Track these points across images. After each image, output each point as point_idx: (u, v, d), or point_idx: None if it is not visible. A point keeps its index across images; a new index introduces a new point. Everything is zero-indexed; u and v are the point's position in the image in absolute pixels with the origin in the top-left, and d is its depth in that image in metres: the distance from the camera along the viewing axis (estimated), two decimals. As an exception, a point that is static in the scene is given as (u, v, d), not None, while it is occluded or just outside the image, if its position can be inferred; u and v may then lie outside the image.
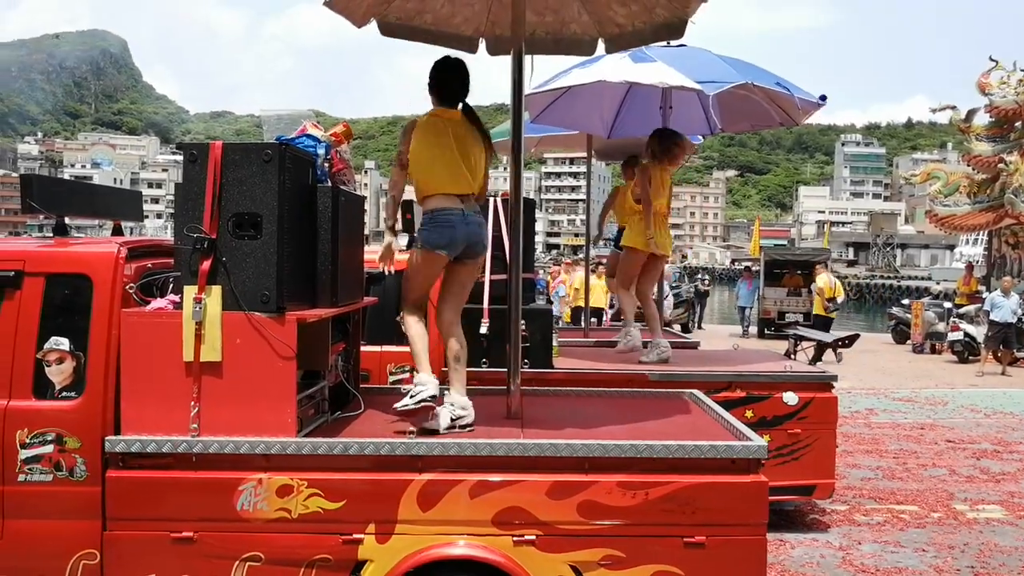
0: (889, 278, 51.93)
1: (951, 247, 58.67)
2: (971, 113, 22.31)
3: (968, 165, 22.70)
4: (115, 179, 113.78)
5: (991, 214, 21.46)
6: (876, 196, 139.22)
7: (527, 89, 4.21)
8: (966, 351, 16.58)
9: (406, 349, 5.69)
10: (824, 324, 16.68)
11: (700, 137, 8.59)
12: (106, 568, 3.35)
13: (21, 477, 3.41)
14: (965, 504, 6.89)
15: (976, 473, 7.91)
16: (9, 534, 3.40)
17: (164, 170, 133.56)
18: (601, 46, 4.79)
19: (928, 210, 23.88)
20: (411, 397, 3.68)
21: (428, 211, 3.92)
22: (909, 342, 19.04)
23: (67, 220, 4.09)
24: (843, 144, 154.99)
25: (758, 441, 3.47)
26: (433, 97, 4.01)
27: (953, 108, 22.75)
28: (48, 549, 3.39)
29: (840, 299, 17.21)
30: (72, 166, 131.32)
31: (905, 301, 22.94)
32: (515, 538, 3.31)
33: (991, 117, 21.87)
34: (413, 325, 3.97)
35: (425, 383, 3.74)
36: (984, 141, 21.92)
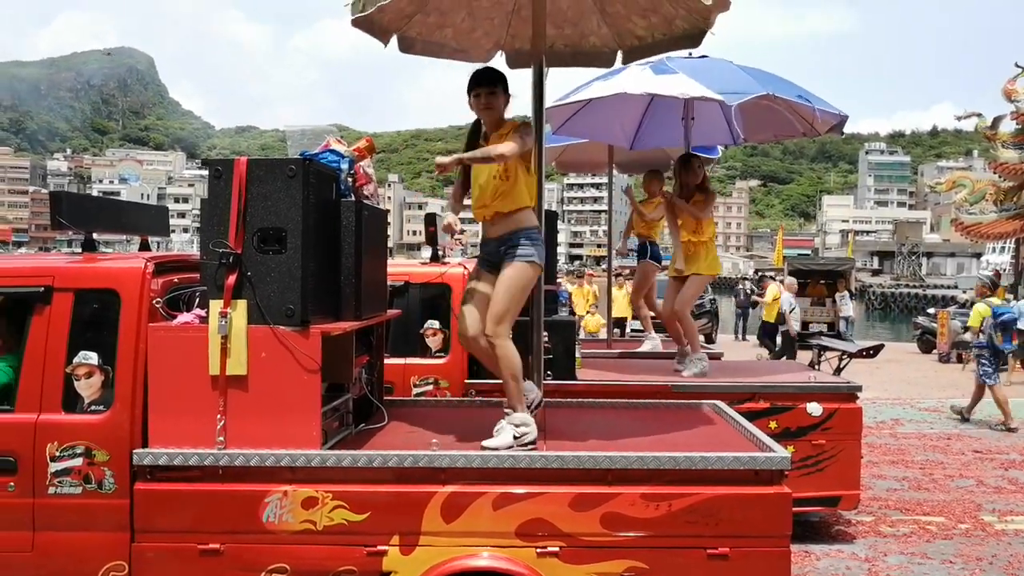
0: (914, 287, 51.41)
1: (977, 255, 57.95)
2: (997, 120, 22.05)
3: (994, 173, 22.44)
4: (142, 194, 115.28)
5: (1018, 222, 21.20)
6: (901, 205, 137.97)
7: (547, 102, 4.24)
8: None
9: (429, 361, 5.79)
10: (773, 331, 16.85)
11: (719, 148, 8.58)
12: (134, 579, 3.39)
13: (51, 490, 3.46)
14: (993, 515, 6.80)
15: (1004, 484, 7.80)
16: (40, 546, 3.45)
17: (190, 185, 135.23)
18: (619, 58, 4.81)
19: (954, 218, 23.62)
20: (515, 439, 3.65)
21: (528, 227, 3.87)
22: (935, 351, 18.82)
23: (95, 236, 4.15)
24: (867, 152, 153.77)
25: (781, 452, 3.45)
26: (505, 107, 3.95)
27: (979, 115, 22.51)
28: (77, 560, 3.44)
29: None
30: (100, 182, 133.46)
31: (931, 310, 22.67)
32: (538, 550, 3.31)
33: (1017, 124, 21.61)
34: (511, 348, 3.81)
35: (528, 424, 3.72)
36: (1010, 148, 21.66)
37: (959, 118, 23.31)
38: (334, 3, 3.86)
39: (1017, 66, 21.39)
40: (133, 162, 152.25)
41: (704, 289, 6.74)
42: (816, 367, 11.09)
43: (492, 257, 3.92)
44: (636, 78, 5.90)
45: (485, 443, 3.64)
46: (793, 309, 16.13)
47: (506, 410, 3.82)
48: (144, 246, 4.68)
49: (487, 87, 3.90)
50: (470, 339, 3.93)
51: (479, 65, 4.10)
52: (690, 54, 5.76)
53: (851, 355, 11.82)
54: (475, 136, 4.00)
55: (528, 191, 3.90)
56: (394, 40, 4.50)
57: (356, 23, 3.95)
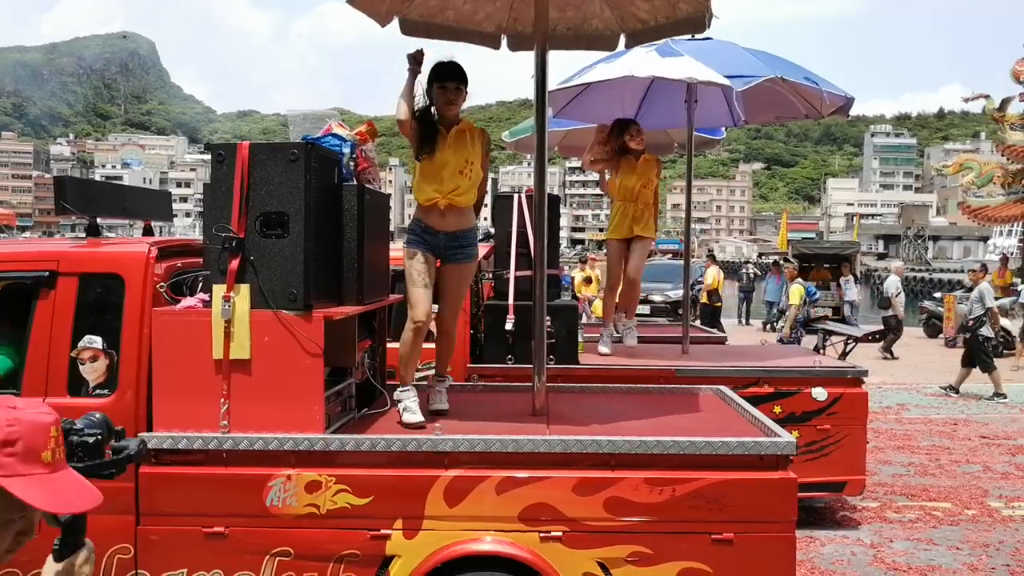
0: (920, 271, 51.19)
1: (984, 239, 57.77)
2: (1005, 102, 21.92)
3: (1002, 155, 22.33)
4: (144, 179, 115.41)
5: (1025, 205, 21.09)
6: (907, 188, 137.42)
7: (549, 86, 4.21)
8: (1001, 345, 16.29)
9: (431, 346, 5.77)
10: (712, 314, 17.13)
11: (723, 130, 8.53)
12: (140, 562, 3.41)
13: (56, 473, 3.46)
14: (1000, 501, 6.79)
15: (1011, 470, 7.79)
16: (45, 529, 3.46)
17: (192, 169, 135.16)
18: (622, 41, 4.77)
19: (961, 201, 23.55)
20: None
21: (475, 226, 4.14)
22: (941, 336, 18.73)
23: (99, 220, 4.15)
24: (872, 135, 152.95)
25: (786, 437, 3.44)
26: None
27: (987, 97, 22.36)
28: (83, 544, 3.45)
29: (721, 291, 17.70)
30: (103, 166, 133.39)
31: (937, 294, 22.55)
32: (542, 534, 3.32)
33: (1026, 106, 21.47)
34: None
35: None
36: (1019, 130, 21.54)
37: (967, 100, 23.26)
38: (335, -14, 3.82)
39: (1025, 47, 21.23)
40: (135, 147, 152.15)
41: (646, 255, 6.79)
42: (821, 352, 11.07)
43: (435, 247, 4.00)
44: (642, 61, 5.85)
45: (434, 407, 3.94)
46: (899, 293, 15.90)
47: (441, 377, 4.17)
48: (148, 231, 4.68)
49: (457, 82, 3.94)
50: (425, 323, 4.00)
51: (480, 49, 4.13)
52: (692, 36, 5.71)
53: (856, 339, 11.81)
54: (428, 122, 3.95)
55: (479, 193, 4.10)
56: (395, 23, 4.46)
57: (353, 2, 3.92)
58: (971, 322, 12.15)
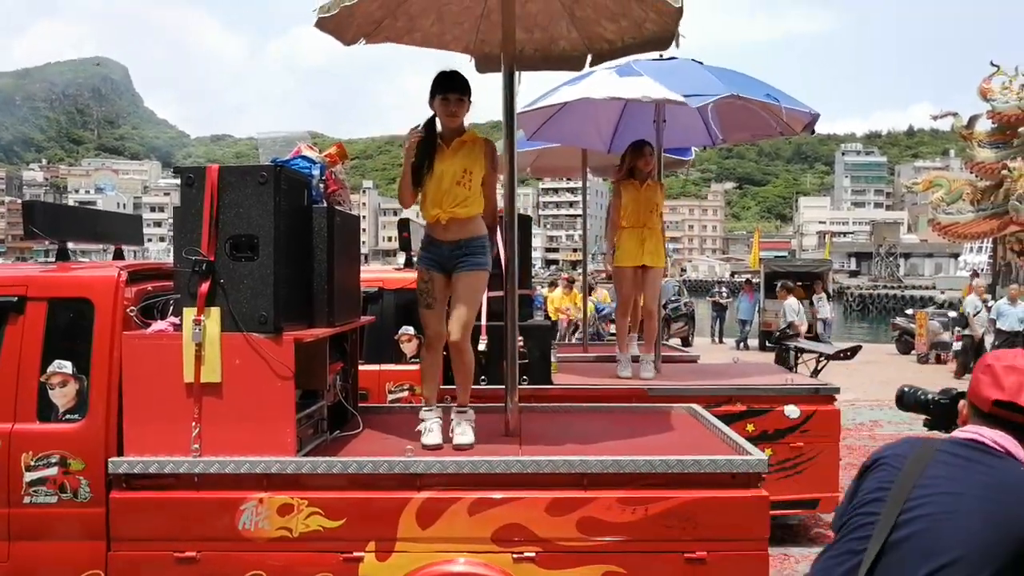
0: (892, 288, 51.78)
1: (955, 255, 58.55)
2: (973, 119, 22.23)
3: (971, 172, 22.63)
4: (118, 203, 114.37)
5: (995, 221, 21.35)
6: (878, 205, 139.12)
7: (518, 107, 4.25)
8: (972, 361, 16.48)
9: (405, 368, 5.78)
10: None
11: (693, 150, 8.62)
12: (110, 589, 3.37)
13: (27, 499, 3.43)
14: (970, 513, 6.83)
15: (981, 482, 7.85)
16: (16, 556, 3.42)
17: (166, 194, 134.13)
18: (589, 60, 4.83)
19: (931, 219, 23.80)
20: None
21: (483, 234, 4.02)
22: (914, 352, 18.96)
23: (71, 245, 4.13)
24: (843, 153, 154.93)
25: (758, 455, 3.47)
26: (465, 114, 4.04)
27: (955, 115, 22.68)
28: (54, 570, 3.41)
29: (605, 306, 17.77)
30: (76, 192, 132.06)
31: (909, 311, 22.81)
32: (515, 555, 3.31)
33: (993, 123, 21.77)
34: (472, 352, 4.10)
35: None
36: (987, 147, 21.83)
37: (935, 117, 23.48)
38: (307, 10, 3.84)
39: (993, 65, 21.60)
40: (109, 172, 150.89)
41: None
42: (793, 369, 11.14)
43: (442, 260, 3.97)
44: (601, 82, 5.90)
45: (457, 442, 3.75)
46: (978, 312, 15.68)
47: (461, 409, 3.96)
48: (119, 255, 4.65)
49: (458, 94, 3.93)
50: (432, 343, 4.03)
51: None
52: (661, 56, 5.77)
53: (828, 357, 11.87)
54: (431, 135, 3.95)
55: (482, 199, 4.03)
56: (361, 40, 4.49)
57: (320, 24, 3.94)
58: (778, 333, 13.26)
